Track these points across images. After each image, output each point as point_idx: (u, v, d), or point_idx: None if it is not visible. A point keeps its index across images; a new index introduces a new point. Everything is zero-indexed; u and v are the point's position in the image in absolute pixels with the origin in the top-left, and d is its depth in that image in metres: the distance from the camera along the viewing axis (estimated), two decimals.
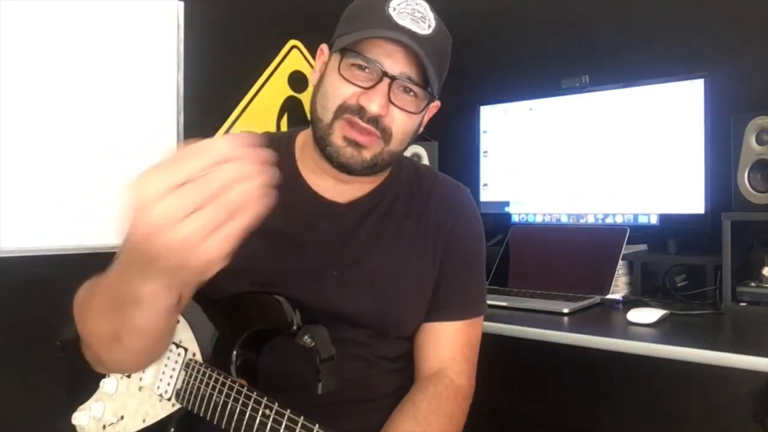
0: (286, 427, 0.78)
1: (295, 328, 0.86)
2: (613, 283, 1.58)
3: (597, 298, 1.54)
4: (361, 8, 0.93)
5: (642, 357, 1.17)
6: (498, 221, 2.01)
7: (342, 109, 0.89)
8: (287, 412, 0.79)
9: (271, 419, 0.79)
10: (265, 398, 0.81)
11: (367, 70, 0.89)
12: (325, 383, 0.83)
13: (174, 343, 0.94)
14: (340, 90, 0.90)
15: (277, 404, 0.80)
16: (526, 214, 1.95)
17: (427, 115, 1.01)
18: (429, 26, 0.89)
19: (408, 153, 2.12)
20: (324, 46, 0.97)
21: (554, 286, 1.62)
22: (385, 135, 0.91)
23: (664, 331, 1.28)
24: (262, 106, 2.02)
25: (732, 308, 1.42)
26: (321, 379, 0.83)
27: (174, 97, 1.80)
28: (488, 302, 1.52)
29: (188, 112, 1.83)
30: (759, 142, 1.45)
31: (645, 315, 1.32)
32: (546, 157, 1.92)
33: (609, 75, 1.82)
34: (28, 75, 1.54)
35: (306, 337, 0.84)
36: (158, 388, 0.92)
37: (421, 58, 0.87)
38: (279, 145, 1.01)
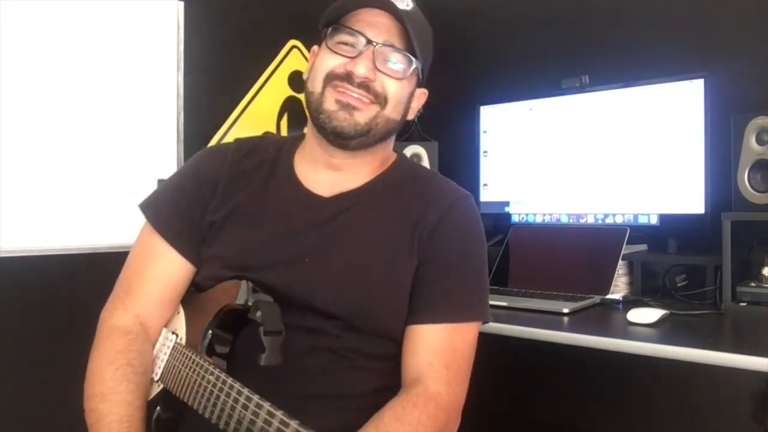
0: (243, 405, 0.78)
1: (249, 304, 0.89)
2: (613, 283, 1.58)
3: (597, 298, 1.54)
4: None
5: (642, 357, 1.17)
6: (498, 221, 2.01)
7: (330, 77, 0.95)
8: (246, 391, 0.79)
9: (222, 394, 0.82)
10: (230, 378, 0.82)
11: (350, 45, 0.96)
12: (268, 355, 0.83)
13: (171, 331, 0.99)
14: (328, 61, 0.96)
15: (231, 379, 0.82)
16: (526, 214, 1.95)
17: (417, 102, 1.05)
18: (407, 5, 0.97)
19: (408, 153, 2.13)
20: (315, 47, 1.03)
21: (554, 286, 1.62)
22: (379, 99, 0.96)
23: (664, 331, 1.28)
24: (262, 106, 2.02)
25: (732, 308, 1.42)
26: (264, 351, 0.84)
27: (174, 97, 1.80)
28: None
29: (188, 112, 1.83)
30: (759, 142, 1.45)
31: (645, 315, 1.32)
32: (546, 157, 1.91)
33: (609, 75, 1.82)
34: (28, 75, 1.54)
35: (258, 312, 0.87)
36: (154, 372, 0.98)
37: (404, 25, 0.94)
38: (284, 143, 1.09)
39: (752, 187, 1.45)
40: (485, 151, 2.05)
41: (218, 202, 1.01)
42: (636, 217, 1.73)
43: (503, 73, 2.15)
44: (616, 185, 1.77)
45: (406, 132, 2.23)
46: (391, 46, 0.95)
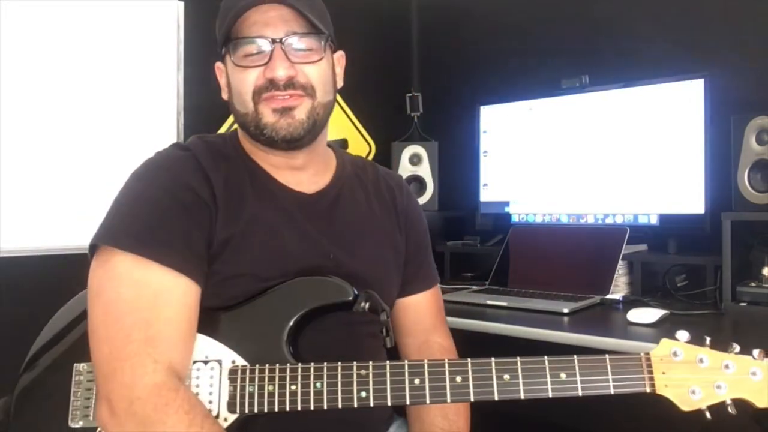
0: (392, 373, 0.83)
1: (351, 298, 0.92)
2: (613, 283, 1.58)
3: (597, 298, 1.54)
4: (224, 6, 0.98)
5: None
6: (498, 221, 2.01)
7: (257, 93, 0.94)
8: (387, 363, 0.83)
9: (371, 375, 0.84)
10: (355, 363, 0.84)
11: (257, 53, 0.93)
12: (392, 336, 0.92)
13: (200, 361, 0.89)
14: (246, 79, 0.94)
15: (371, 363, 0.84)
16: (526, 214, 1.96)
17: (339, 67, 1.05)
18: None
19: (408, 153, 2.13)
20: (219, 63, 1.03)
21: (554, 286, 1.62)
22: (308, 90, 0.95)
23: (664, 331, 1.28)
24: None
25: (732, 308, 1.42)
26: (389, 334, 0.91)
27: (174, 97, 1.80)
28: (488, 302, 1.56)
29: (188, 112, 1.82)
30: (759, 142, 1.45)
31: (645, 315, 1.32)
32: (546, 157, 1.92)
33: (609, 75, 1.82)
34: (28, 75, 1.54)
35: (363, 302, 0.91)
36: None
37: (294, 8, 0.92)
38: (232, 146, 1.02)
39: (752, 187, 1.45)
40: (485, 151, 2.05)
41: (227, 214, 0.92)
42: (636, 217, 1.73)
43: (503, 73, 2.15)
44: (616, 185, 1.77)
45: (406, 132, 2.24)
46: (294, 34, 0.93)
